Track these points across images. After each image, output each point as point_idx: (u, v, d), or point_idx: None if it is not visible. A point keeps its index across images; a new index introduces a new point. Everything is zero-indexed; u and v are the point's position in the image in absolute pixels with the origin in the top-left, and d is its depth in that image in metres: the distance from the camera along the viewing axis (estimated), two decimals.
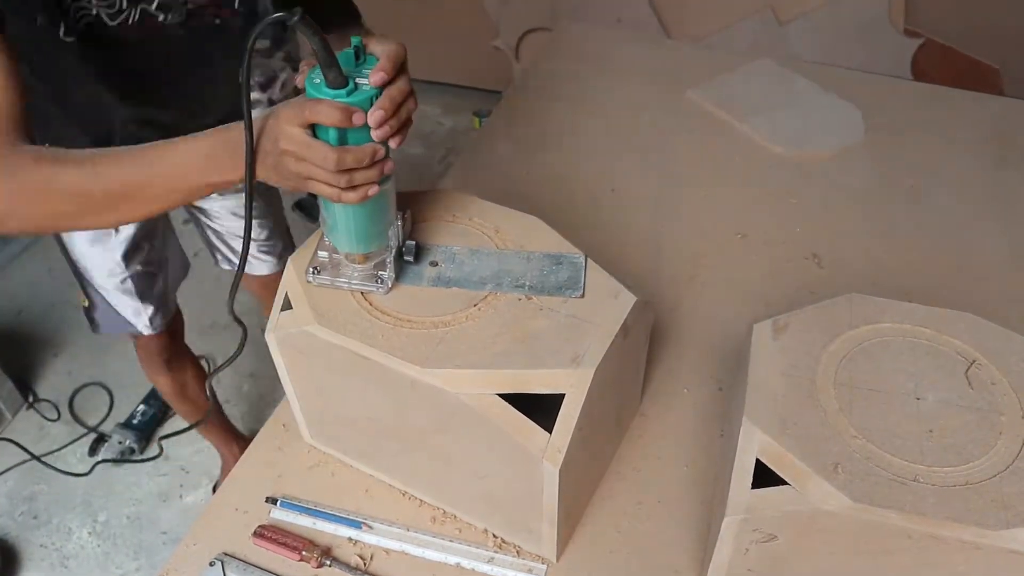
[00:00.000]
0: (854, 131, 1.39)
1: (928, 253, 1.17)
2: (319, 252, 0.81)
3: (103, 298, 1.35)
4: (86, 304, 1.39)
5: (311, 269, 0.79)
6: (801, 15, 2.42)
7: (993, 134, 1.39)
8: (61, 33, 0.87)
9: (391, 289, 0.79)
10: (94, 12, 0.89)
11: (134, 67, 0.97)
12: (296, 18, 0.61)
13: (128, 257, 1.30)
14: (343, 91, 0.66)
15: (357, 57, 0.69)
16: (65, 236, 1.28)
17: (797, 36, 2.45)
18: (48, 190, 0.71)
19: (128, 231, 1.28)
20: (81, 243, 1.27)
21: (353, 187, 0.70)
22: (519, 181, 1.31)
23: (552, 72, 1.58)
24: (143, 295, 1.36)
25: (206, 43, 1.01)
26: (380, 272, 0.79)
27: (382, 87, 0.67)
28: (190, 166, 0.72)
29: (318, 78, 0.66)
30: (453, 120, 2.95)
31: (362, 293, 0.78)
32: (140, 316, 1.38)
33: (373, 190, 0.71)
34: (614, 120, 1.45)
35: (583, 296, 0.77)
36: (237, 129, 0.69)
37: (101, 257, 1.28)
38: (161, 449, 1.94)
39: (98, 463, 1.94)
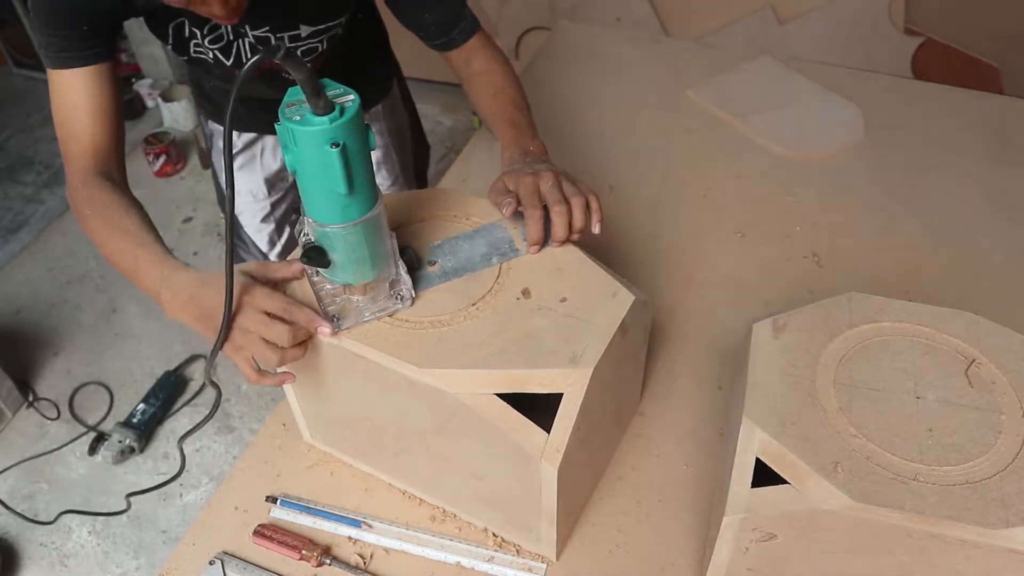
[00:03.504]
0: (854, 130, 1.39)
1: (928, 252, 1.17)
2: (327, 306, 0.77)
3: (240, 224, 1.42)
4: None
5: (334, 320, 0.75)
6: (801, 14, 2.41)
7: (993, 133, 1.39)
8: (185, 59, 1.07)
9: (415, 301, 0.78)
10: (210, 56, 1.04)
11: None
12: (281, 53, 0.60)
13: (271, 184, 1.40)
14: (336, 114, 0.64)
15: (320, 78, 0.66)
16: (214, 156, 1.40)
17: (797, 35, 2.45)
18: (84, 226, 0.91)
19: (274, 165, 1.39)
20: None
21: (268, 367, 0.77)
22: None
23: (551, 71, 1.57)
24: (280, 222, 1.44)
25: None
26: (398, 289, 0.77)
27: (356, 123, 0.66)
28: (158, 294, 0.81)
29: (298, 115, 0.64)
30: (453, 119, 2.96)
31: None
32: (275, 246, 1.45)
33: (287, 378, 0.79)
34: (613, 119, 1.44)
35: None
36: (212, 296, 0.75)
37: (248, 181, 1.38)
38: (129, 505, 1.89)
39: (131, 495, 1.90)
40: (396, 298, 0.77)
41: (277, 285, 0.79)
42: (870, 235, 1.21)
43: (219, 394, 0.84)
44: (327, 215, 0.70)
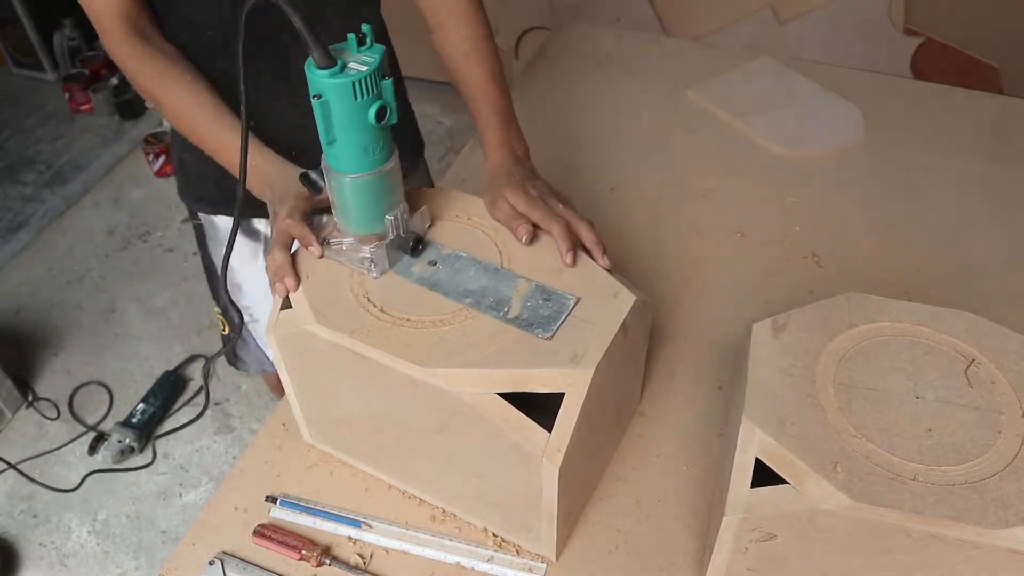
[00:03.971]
0: (854, 130, 1.39)
1: (928, 252, 1.17)
2: (326, 229, 0.83)
3: (249, 330, 1.23)
4: (225, 331, 1.27)
5: (325, 240, 0.82)
6: (801, 14, 2.42)
7: (992, 133, 1.39)
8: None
9: (380, 276, 0.80)
10: None
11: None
12: None
13: None
14: (326, 71, 0.67)
15: (361, 43, 0.70)
16: (213, 251, 1.21)
17: (797, 35, 2.45)
18: (145, 94, 0.93)
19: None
20: (237, 258, 1.16)
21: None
22: None
23: (551, 71, 1.57)
24: None
25: None
26: (375, 257, 0.79)
27: (375, 78, 0.70)
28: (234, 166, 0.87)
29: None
30: (453, 119, 2.96)
31: (368, 298, 0.78)
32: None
33: (280, 288, 0.81)
34: (613, 119, 1.45)
35: (551, 339, 0.74)
36: (285, 181, 0.85)
37: (259, 276, 1.15)
38: (154, 454, 1.93)
39: (89, 474, 1.93)
40: (367, 263, 0.79)
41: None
42: (870, 235, 1.21)
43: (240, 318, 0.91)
44: (325, 152, 0.75)
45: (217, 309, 1.25)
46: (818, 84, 1.48)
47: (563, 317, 0.75)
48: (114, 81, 3.11)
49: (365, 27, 0.70)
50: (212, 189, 1.14)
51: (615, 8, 2.58)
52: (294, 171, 0.86)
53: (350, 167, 0.74)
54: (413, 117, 1.29)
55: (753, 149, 1.37)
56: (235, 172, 0.92)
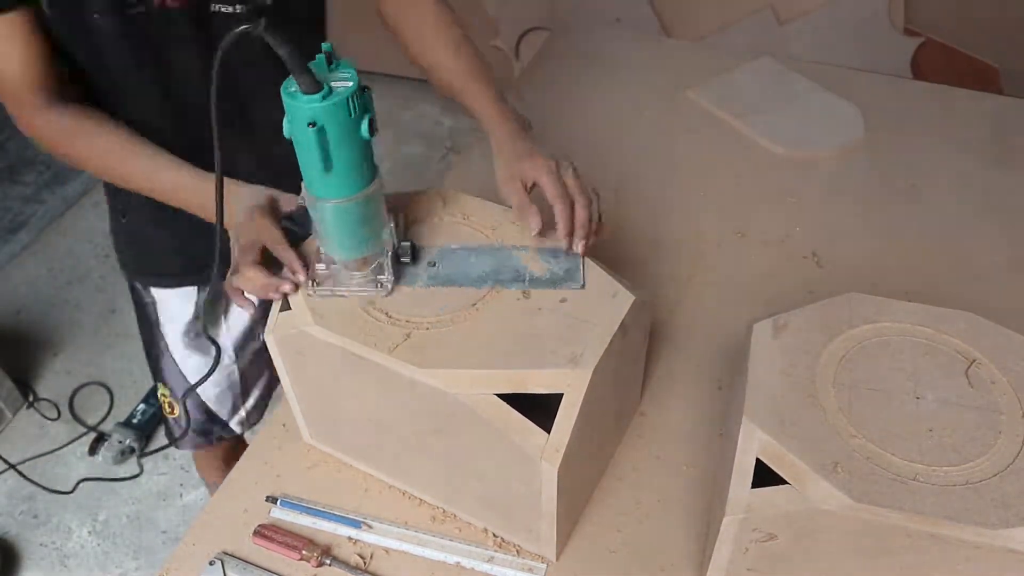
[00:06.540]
0: (854, 130, 1.39)
1: (928, 252, 1.17)
2: (317, 265, 0.79)
3: (195, 401, 1.19)
4: (173, 414, 1.21)
5: (310, 282, 0.78)
6: (801, 14, 2.41)
7: (992, 133, 1.39)
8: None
9: (391, 292, 0.78)
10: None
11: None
12: (260, 27, 0.61)
13: (239, 348, 1.18)
14: (317, 96, 0.65)
15: (329, 62, 0.68)
16: (167, 328, 1.14)
17: (797, 35, 2.45)
18: (60, 153, 0.86)
19: (241, 323, 1.16)
20: (180, 350, 1.14)
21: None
22: None
23: (551, 72, 1.57)
24: (246, 386, 1.21)
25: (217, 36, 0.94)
26: (379, 276, 0.78)
27: (360, 91, 0.67)
28: (187, 202, 0.85)
29: (293, 86, 0.66)
30: (453, 120, 2.95)
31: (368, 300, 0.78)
32: (237, 412, 1.23)
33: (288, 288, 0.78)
34: (614, 120, 1.44)
35: (583, 287, 0.77)
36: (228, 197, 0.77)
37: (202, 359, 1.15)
38: (141, 468, 1.92)
39: (81, 481, 1.93)
40: (375, 284, 0.78)
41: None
42: (870, 235, 1.21)
43: (218, 350, 0.88)
44: (313, 187, 0.73)
45: (164, 390, 1.16)
46: (818, 84, 1.48)
47: (581, 266, 0.79)
48: None
49: (326, 45, 0.67)
50: (174, 260, 1.09)
51: (615, 8, 2.58)
52: (249, 189, 0.81)
53: (349, 189, 0.72)
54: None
55: (753, 149, 1.37)
56: (189, 208, 0.86)
